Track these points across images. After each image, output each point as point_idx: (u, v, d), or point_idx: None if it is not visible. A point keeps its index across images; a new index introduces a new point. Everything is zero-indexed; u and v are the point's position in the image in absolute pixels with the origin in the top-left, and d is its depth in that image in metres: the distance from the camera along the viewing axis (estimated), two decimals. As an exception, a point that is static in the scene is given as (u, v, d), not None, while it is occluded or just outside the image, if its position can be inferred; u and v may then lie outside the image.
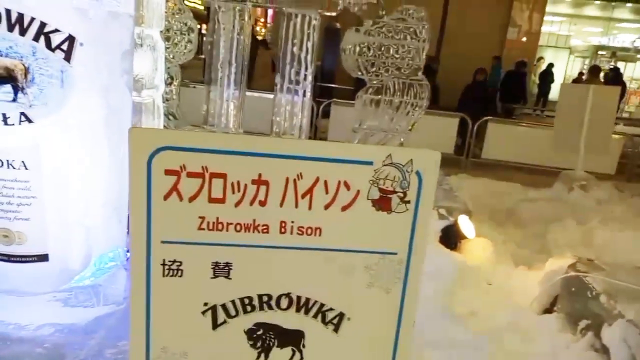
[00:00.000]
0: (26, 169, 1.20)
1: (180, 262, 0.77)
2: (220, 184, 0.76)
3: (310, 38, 3.22)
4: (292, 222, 0.77)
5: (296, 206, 0.77)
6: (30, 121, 1.18)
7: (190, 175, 0.74)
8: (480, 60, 8.21)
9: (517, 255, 2.85)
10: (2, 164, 1.20)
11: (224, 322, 0.80)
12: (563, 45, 16.34)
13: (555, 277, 2.18)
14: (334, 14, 3.40)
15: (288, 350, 0.84)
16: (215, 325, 0.80)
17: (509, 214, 3.85)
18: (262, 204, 0.77)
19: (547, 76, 12.39)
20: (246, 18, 3.29)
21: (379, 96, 3.52)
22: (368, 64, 3.48)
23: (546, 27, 13.86)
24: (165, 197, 0.75)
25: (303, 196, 0.77)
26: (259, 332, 0.82)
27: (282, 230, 0.77)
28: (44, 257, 1.28)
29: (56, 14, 1.16)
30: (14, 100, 1.16)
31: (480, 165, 5.51)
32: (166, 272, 0.78)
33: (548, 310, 2.15)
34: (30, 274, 1.27)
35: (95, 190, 1.31)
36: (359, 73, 3.50)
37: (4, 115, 1.17)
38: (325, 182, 0.77)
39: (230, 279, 0.79)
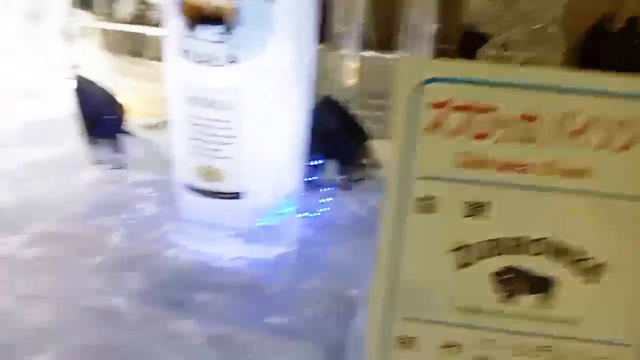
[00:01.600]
0: (229, 109, 1.25)
1: (435, 199, 0.76)
2: (487, 118, 0.73)
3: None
4: (559, 161, 0.73)
5: (565, 145, 0.72)
6: (235, 62, 1.21)
7: (458, 108, 0.71)
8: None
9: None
10: (208, 104, 1.25)
11: (471, 262, 0.79)
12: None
13: None
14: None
15: (535, 297, 0.82)
16: (462, 265, 0.80)
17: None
18: (529, 141, 0.73)
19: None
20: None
21: (506, 52, 3.28)
22: (493, 16, 3.25)
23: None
24: (427, 132, 0.74)
25: (574, 134, 0.72)
26: (507, 276, 0.80)
27: (547, 170, 0.73)
28: (239, 195, 1.34)
29: None
30: (221, 41, 1.19)
31: None
32: (419, 208, 0.77)
33: None
34: (227, 210, 1.34)
35: (285, 133, 1.34)
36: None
37: (213, 55, 1.20)
38: (602, 119, 0.71)
39: (484, 218, 0.77)
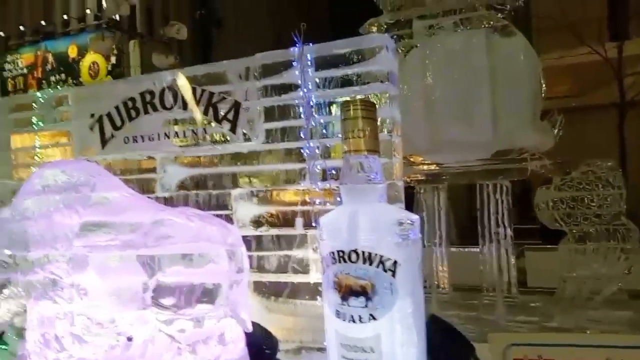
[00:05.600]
0: (372, 352, 1.79)
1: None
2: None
3: (504, 203, 3.68)
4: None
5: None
6: (374, 319, 1.79)
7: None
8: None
9: None
10: (357, 349, 1.81)
11: None
12: None
13: None
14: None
15: None
16: None
17: None
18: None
19: None
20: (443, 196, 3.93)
21: (583, 245, 3.69)
22: (564, 215, 3.76)
23: None
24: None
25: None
26: None
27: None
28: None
29: (383, 245, 1.83)
30: (365, 306, 1.80)
31: None
32: None
33: None
34: None
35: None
36: (557, 225, 3.78)
37: (360, 316, 1.81)
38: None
39: None
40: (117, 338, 2.51)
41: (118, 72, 16.36)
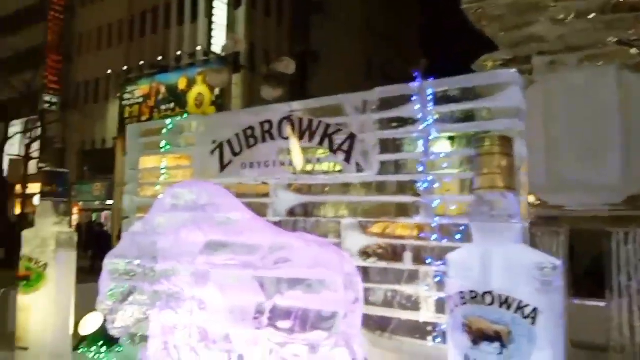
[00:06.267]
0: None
1: None
2: None
3: (638, 254, 3.27)
4: None
5: None
6: (509, 368, 1.66)
7: None
8: None
9: None
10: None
11: None
12: None
13: None
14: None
15: None
16: None
17: None
18: None
19: None
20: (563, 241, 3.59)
21: None
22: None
23: None
24: None
25: None
26: None
27: None
28: None
29: (521, 290, 1.70)
30: (500, 353, 1.68)
31: None
32: None
33: None
34: None
35: None
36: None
37: (492, 364, 1.68)
38: None
39: None
40: (229, 355, 2.58)
41: (220, 103, 17.54)
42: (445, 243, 2.53)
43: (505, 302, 1.70)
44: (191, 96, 19.46)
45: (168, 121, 3.86)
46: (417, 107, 2.75)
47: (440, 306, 2.79)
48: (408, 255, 2.97)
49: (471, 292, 1.76)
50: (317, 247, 2.34)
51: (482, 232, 1.86)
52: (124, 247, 2.97)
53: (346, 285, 2.25)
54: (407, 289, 2.83)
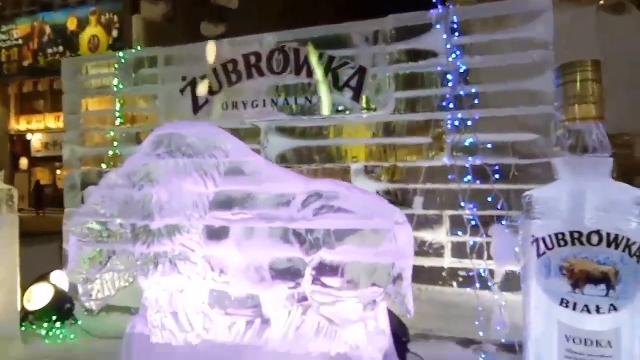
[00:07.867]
0: (610, 347, 1.57)
1: None
2: None
3: None
4: None
5: None
6: (615, 310, 1.57)
7: None
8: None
9: None
10: (589, 344, 1.58)
11: None
12: None
13: None
14: None
15: None
16: None
17: None
18: None
19: None
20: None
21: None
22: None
23: None
24: None
25: None
26: None
27: None
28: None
29: (625, 227, 1.59)
30: (606, 295, 1.58)
31: None
32: None
33: None
34: None
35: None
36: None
37: (597, 306, 1.58)
38: None
39: None
40: (252, 319, 2.23)
41: (119, 46, 15.72)
42: (478, 185, 2.40)
43: (615, 241, 1.58)
44: (84, 38, 17.32)
45: (121, 54, 3.19)
46: (439, 37, 2.50)
47: (460, 251, 2.69)
48: (418, 200, 2.80)
49: (574, 232, 1.62)
50: (363, 194, 2.05)
51: (573, 168, 1.70)
52: (94, 204, 2.41)
53: (396, 237, 2.00)
54: (424, 235, 2.68)
